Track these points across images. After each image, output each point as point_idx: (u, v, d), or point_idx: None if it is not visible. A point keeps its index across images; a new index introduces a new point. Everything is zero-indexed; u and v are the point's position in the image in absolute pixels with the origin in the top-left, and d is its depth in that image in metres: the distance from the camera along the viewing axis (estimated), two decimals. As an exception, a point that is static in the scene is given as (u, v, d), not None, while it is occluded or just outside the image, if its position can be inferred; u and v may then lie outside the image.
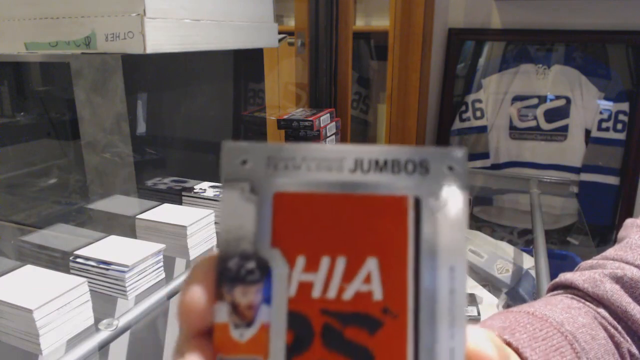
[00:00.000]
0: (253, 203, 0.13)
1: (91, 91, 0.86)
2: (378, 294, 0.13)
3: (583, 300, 0.31)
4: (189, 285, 0.13)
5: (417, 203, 0.13)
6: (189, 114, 1.00)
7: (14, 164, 1.00)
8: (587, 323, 0.29)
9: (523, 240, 1.38)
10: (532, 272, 1.03)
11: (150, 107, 0.89)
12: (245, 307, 0.13)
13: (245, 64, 1.18)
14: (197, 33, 0.88)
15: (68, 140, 0.97)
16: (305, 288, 0.13)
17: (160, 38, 0.78)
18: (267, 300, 0.13)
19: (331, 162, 0.13)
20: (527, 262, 1.10)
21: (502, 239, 1.19)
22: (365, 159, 0.13)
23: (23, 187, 1.02)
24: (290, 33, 1.69)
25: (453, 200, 0.13)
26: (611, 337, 0.29)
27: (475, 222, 1.45)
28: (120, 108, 0.84)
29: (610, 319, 0.30)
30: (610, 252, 0.34)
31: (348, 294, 0.13)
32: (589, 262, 0.35)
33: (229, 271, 0.13)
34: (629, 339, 0.29)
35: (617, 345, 0.29)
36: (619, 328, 0.30)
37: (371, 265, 0.13)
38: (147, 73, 0.89)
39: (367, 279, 0.13)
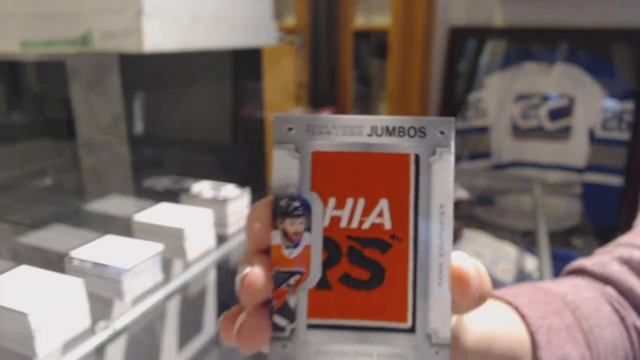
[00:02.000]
0: (297, 159, 0.18)
1: (88, 90, 0.85)
2: (388, 225, 0.18)
3: (591, 281, 0.33)
4: (252, 218, 0.18)
5: (417, 158, 0.18)
6: (187, 113, 1.00)
7: (9, 164, 0.99)
8: (592, 297, 0.31)
9: (526, 241, 1.37)
10: (535, 274, 1.02)
11: (148, 107, 0.89)
12: (293, 234, 0.18)
13: (244, 63, 1.17)
14: (195, 31, 0.87)
15: (64, 140, 0.96)
16: (335, 220, 0.18)
17: (158, 36, 0.77)
18: (309, 228, 0.18)
19: (353, 129, 0.18)
20: (530, 263, 1.08)
21: (504, 240, 1.18)
22: (379, 125, 0.18)
23: (18, 187, 1.01)
24: (290, 31, 1.68)
25: (443, 156, 0.18)
26: (616, 311, 0.30)
27: (477, 223, 1.43)
28: (117, 107, 0.83)
29: (616, 295, 0.31)
30: (622, 238, 0.36)
31: (366, 225, 0.18)
32: (602, 249, 0.36)
33: (280, 208, 0.18)
34: (634, 315, 0.31)
35: (622, 318, 0.30)
36: (625, 304, 0.31)
37: (383, 204, 0.18)
38: (144, 72, 0.88)
39: (380, 214, 0.18)
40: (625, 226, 0.39)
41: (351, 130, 0.18)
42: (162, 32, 0.78)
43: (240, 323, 0.18)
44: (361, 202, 0.18)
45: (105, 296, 0.66)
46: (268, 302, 0.18)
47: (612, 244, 0.36)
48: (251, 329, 0.18)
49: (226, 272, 0.84)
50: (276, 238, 0.18)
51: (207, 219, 0.81)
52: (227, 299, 0.81)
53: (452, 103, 1.53)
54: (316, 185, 0.18)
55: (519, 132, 1.47)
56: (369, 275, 0.18)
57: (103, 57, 0.82)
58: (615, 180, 1.40)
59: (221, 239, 0.86)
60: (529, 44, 1.44)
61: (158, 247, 0.70)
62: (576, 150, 1.41)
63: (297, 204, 0.18)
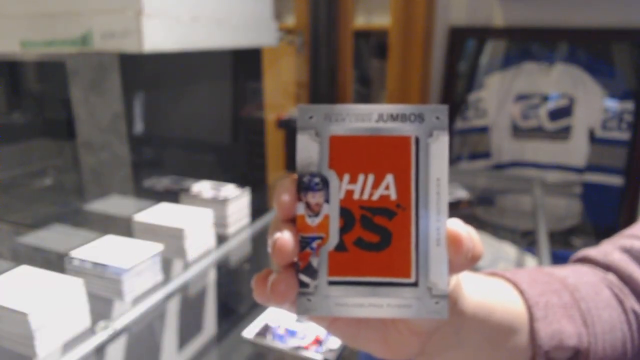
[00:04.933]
0: (317, 142, 0.21)
1: (88, 90, 0.85)
2: (394, 196, 0.21)
3: (594, 268, 0.34)
4: (280, 192, 0.21)
5: (417, 140, 0.21)
6: (187, 113, 0.99)
7: (9, 164, 0.99)
8: (592, 281, 0.32)
9: (526, 241, 1.37)
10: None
11: (148, 106, 0.89)
12: (314, 205, 0.21)
13: (244, 63, 1.16)
14: (195, 31, 0.87)
15: (64, 140, 0.96)
16: (349, 193, 0.21)
17: (158, 37, 0.77)
18: (327, 200, 0.21)
19: (364, 116, 0.21)
20: (530, 263, 1.08)
21: (504, 240, 1.18)
22: (385, 113, 0.21)
23: (18, 187, 1.01)
24: (290, 31, 1.68)
25: (439, 138, 0.21)
26: (615, 295, 0.32)
27: (477, 223, 1.44)
28: (117, 107, 0.83)
29: (617, 282, 0.33)
30: (626, 230, 0.37)
31: (375, 196, 0.21)
32: (607, 240, 0.38)
33: (303, 183, 0.21)
34: (633, 300, 0.32)
35: (620, 302, 0.32)
36: (625, 290, 0.32)
37: (389, 178, 0.21)
38: (144, 72, 0.88)
39: (387, 187, 0.21)
40: (625, 226, 0.39)
41: (362, 117, 0.21)
42: (162, 32, 0.78)
43: (271, 282, 0.21)
44: (371, 178, 0.21)
45: (105, 296, 0.65)
46: (294, 263, 0.21)
47: (616, 236, 0.37)
48: (281, 286, 0.20)
49: (226, 272, 0.84)
50: (300, 209, 0.21)
51: (207, 219, 0.81)
52: (227, 299, 0.81)
53: (452, 103, 1.53)
54: (333, 164, 0.21)
55: (519, 132, 1.47)
56: (378, 238, 0.21)
57: (103, 57, 0.82)
58: (615, 180, 1.40)
59: (221, 239, 0.86)
60: (529, 44, 1.44)
61: (158, 247, 0.70)
62: (576, 150, 1.41)
63: (317, 179, 0.21)
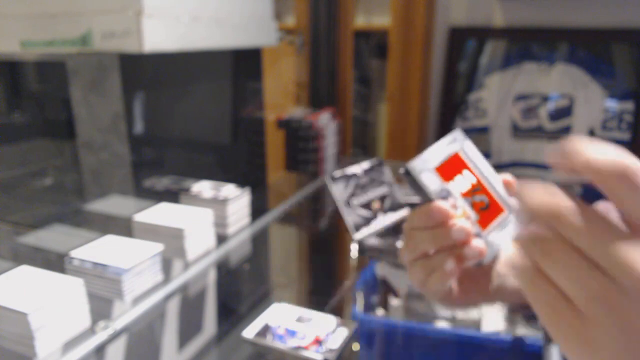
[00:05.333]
0: (433, 175, 0.35)
1: (88, 90, 0.85)
2: (474, 180, 0.36)
3: None
4: (433, 212, 0.34)
5: (461, 149, 0.36)
6: (187, 114, 0.99)
7: (9, 164, 0.99)
8: None
9: (525, 241, 1.37)
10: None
11: (148, 106, 0.89)
12: (457, 204, 0.35)
13: (244, 63, 1.16)
14: (195, 31, 0.87)
15: (64, 140, 0.96)
16: (461, 188, 0.35)
17: (158, 36, 0.77)
18: (458, 198, 0.35)
19: (438, 150, 0.35)
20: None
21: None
22: (444, 144, 0.36)
23: (18, 187, 1.01)
24: (290, 31, 1.68)
25: (468, 144, 0.37)
26: None
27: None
28: (117, 107, 0.83)
29: None
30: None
31: (469, 184, 0.35)
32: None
33: (444, 198, 0.35)
34: None
35: None
36: None
37: (466, 173, 0.36)
38: (144, 72, 0.88)
39: (469, 177, 0.36)
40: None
41: (438, 152, 0.35)
42: (162, 32, 0.78)
43: (470, 249, 0.34)
44: (461, 177, 0.35)
45: (105, 296, 0.66)
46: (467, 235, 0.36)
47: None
48: (478, 248, 0.34)
49: (226, 272, 0.84)
50: (455, 210, 0.35)
51: (207, 219, 0.81)
52: (227, 299, 0.81)
53: (452, 103, 1.53)
54: (445, 180, 0.35)
55: (519, 132, 1.47)
56: (484, 203, 0.36)
57: (103, 57, 0.82)
58: (615, 181, 1.39)
59: (221, 239, 0.86)
60: (529, 44, 1.44)
61: (158, 247, 0.70)
62: (576, 150, 1.41)
63: (449, 191, 0.35)
